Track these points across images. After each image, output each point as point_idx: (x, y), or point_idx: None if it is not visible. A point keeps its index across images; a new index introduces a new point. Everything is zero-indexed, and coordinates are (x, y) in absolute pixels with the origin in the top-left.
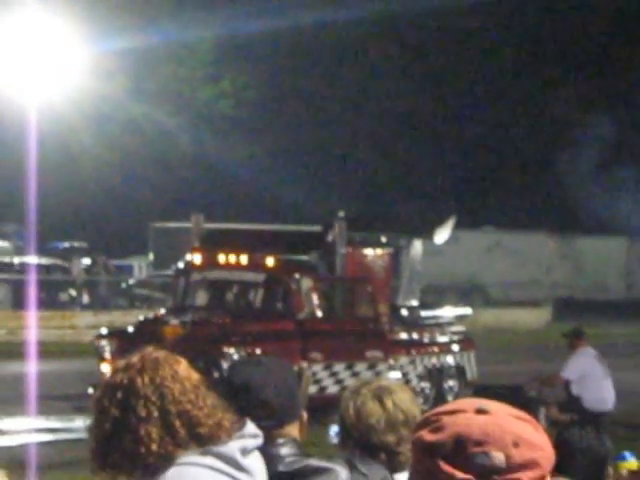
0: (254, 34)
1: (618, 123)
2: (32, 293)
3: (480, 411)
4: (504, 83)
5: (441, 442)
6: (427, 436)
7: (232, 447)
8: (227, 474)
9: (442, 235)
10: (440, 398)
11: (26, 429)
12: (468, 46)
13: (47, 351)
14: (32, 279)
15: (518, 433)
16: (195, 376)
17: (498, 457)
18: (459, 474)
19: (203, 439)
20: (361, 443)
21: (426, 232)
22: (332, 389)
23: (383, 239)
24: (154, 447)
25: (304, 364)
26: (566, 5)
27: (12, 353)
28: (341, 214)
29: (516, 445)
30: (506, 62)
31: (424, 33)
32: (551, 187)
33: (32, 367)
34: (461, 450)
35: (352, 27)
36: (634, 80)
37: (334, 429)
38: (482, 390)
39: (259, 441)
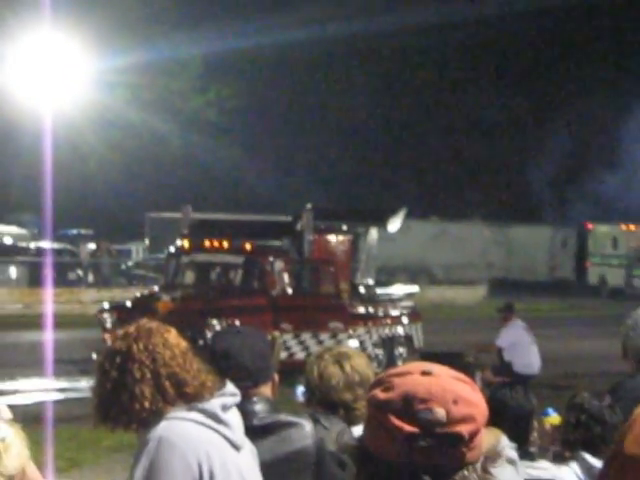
0: (236, 52)
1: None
2: (45, 273)
3: (425, 373)
4: (450, 91)
5: (391, 400)
6: (379, 395)
7: (214, 404)
8: (209, 427)
9: (394, 224)
10: (391, 363)
11: (40, 389)
12: (425, 60)
13: (58, 322)
14: (45, 261)
15: (457, 392)
16: (183, 343)
17: (440, 412)
18: (407, 427)
19: (189, 397)
20: (323, 401)
21: (381, 221)
22: (300, 355)
23: (344, 227)
24: (147, 404)
25: (276, 333)
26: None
27: (28, 324)
28: (308, 206)
29: (455, 402)
30: (455, 73)
31: (385, 48)
32: (487, 183)
33: (45, 336)
34: (408, 407)
35: (320, 46)
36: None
37: (300, 389)
38: (427, 356)
39: (237, 399)
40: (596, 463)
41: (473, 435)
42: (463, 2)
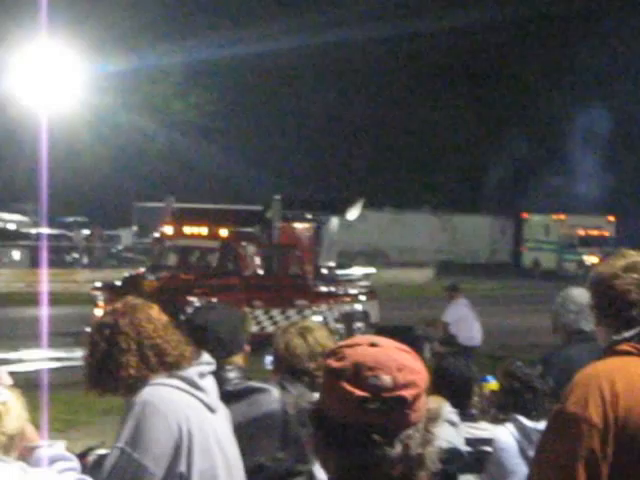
0: (213, 61)
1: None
2: (44, 256)
3: (372, 344)
4: (405, 94)
5: (344, 368)
6: (333, 363)
7: (192, 372)
8: (188, 392)
9: (353, 213)
10: (351, 336)
11: (39, 358)
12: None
13: (55, 299)
14: (44, 245)
15: (401, 361)
16: (164, 318)
17: (386, 379)
18: (358, 392)
19: (170, 366)
20: (289, 369)
21: (341, 211)
22: (269, 329)
23: (309, 216)
24: (132, 372)
25: (247, 309)
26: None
27: (29, 301)
28: (277, 197)
29: (399, 370)
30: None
31: (344, 56)
32: (435, 178)
33: (44, 311)
34: (359, 374)
35: (286, 56)
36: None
37: (269, 358)
38: (382, 330)
39: (212, 367)
40: (528, 423)
41: (416, 398)
42: (422, 13)
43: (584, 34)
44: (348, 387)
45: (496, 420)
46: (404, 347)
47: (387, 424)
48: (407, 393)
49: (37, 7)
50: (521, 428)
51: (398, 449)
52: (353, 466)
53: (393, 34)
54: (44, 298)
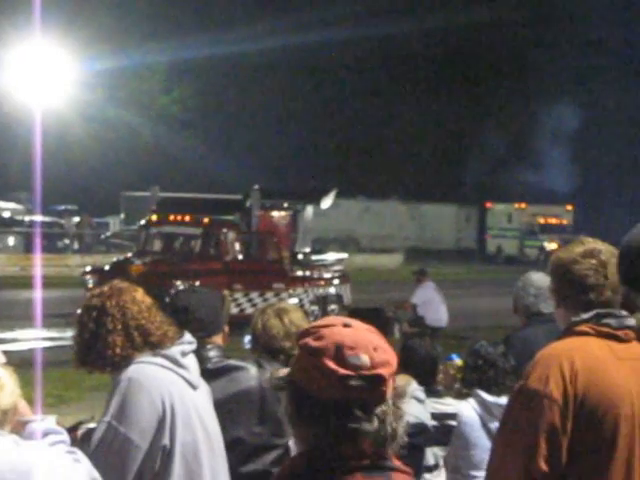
0: (196, 59)
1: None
2: (37, 242)
3: (346, 325)
4: (376, 91)
5: (325, 347)
6: (312, 342)
7: (174, 350)
8: (171, 369)
9: (327, 202)
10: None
11: (33, 338)
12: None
13: (48, 283)
14: (37, 232)
15: (375, 341)
16: (148, 300)
17: (364, 358)
18: (341, 370)
19: (154, 345)
20: (266, 348)
21: (315, 200)
22: (249, 310)
23: (285, 204)
24: (118, 350)
25: (226, 292)
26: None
27: (24, 284)
28: (256, 186)
29: (375, 350)
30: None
31: (318, 55)
32: (403, 169)
33: (37, 294)
34: (340, 353)
35: (262, 54)
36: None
37: (247, 338)
38: (355, 312)
39: (194, 346)
40: (488, 398)
41: (390, 376)
42: (400, 13)
43: (552, 38)
44: (332, 365)
45: (460, 395)
46: (371, 328)
47: (366, 400)
48: (384, 371)
49: (31, 8)
50: (482, 402)
51: (375, 424)
52: (328, 440)
53: (368, 32)
54: (37, 281)
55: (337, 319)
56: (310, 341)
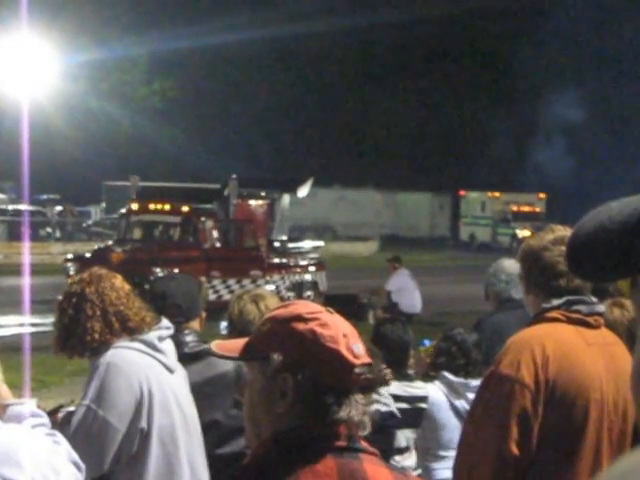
0: (176, 52)
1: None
2: (21, 230)
3: (329, 312)
4: (354, 84)
5: (336, 336)
6: (322, 330)
7: (152, 336)
8: (148, 354)
9: (303, 191)
10: None
11: (17, 324)
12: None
13: (32, 270)
14: (22, 220)
15: (352, 328)
16: (127, 286)
17: (361, 346)
18: (351, 358)
19: (131, 330)
20: (242, 333)
21: (292, 188)
22: (226, 297)
23: (262, 193)
24: (97, 336)
25: (203, 278)
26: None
27: (8, 271)
28: (234, 176)
29: (358, 338)
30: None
31: (298, 47)
32: (379, 157)
33: (21, 281)
34: (347, 342)
35: (242, 46)
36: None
37: (224, 324)
38: (330, 298)
39: (171, 331)
40: (454, 379)
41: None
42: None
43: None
44: (347, 354)
45: (427, 377)
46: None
47: (365, 385)
48: (369, 360)
49: (15, 1)
50: (448, 383)
51: (349, 410)
52: (303, 423)
53: (347, 25)
54: (21, 269)
55: (316, 305)
56: (317, 328)
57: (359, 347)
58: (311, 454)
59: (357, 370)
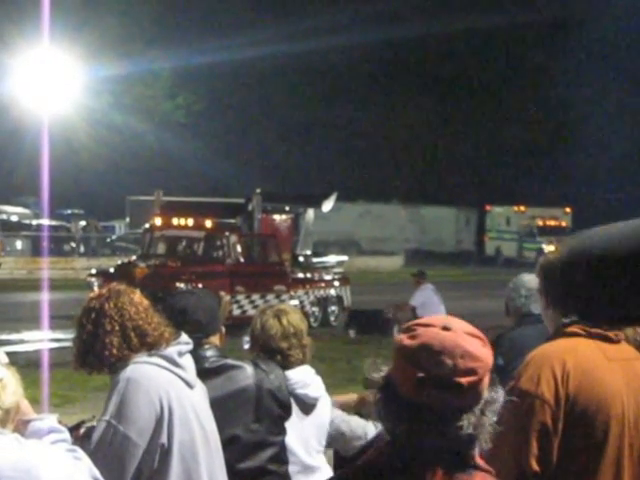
0: (199, 66)
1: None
2: (45, 245)
3: (445, 328)
4: (371, 98)
5: (411, 347)
6: (405, 340)
7: (171, 351)
8: (168, 369)
9: (328, 205)
10: (325, 318)
11: (39, 339)
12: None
13: (55, 285)
14: (45, 235)
15: (466, 348)
16: (145, 302)
17: (448, 365)
18: (418, 372)
19: (150, 345)
20: (264, 348)
21: (316, 203)
22: (250, 312)
23: (287, 208)
24: (115, 351)
25: (223, 293)
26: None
27: (31, 287)
28: (258, 190)
29: (462, 357)
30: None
31: (318, 62)
32: (404, 172)
33: (44, 296)
34: (422, 355)
35: (265, 61)
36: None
37: (246, 339)
38: (355, 313)
39: (190, 347)
40: None
41: (473, 385)
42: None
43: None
44: (410, 366)
45: None
46: (476, 332)
47: (441, 406)
48: (464, 380)
49: (38, 15)
50: None
51: (454, 429)
52: (409, 437)
53: (371, 40)
54: (44, 284)
55: (440, 320)
56: (403, 338)
57: (441, 364)
58: (418, 465)
59: (428, 386)
